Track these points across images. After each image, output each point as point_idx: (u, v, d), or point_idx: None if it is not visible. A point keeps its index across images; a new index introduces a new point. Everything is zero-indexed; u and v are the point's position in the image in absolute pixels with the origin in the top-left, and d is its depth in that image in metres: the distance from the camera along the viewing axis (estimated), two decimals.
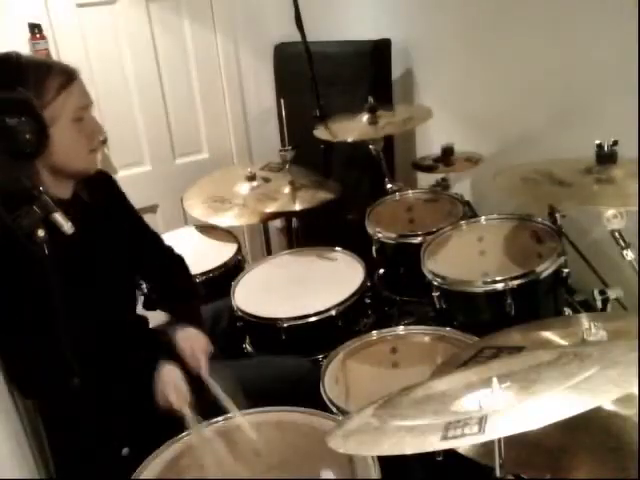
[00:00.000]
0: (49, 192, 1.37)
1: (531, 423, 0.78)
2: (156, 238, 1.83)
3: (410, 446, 0.82)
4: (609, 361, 0.88)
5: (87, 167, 1.51)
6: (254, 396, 1.50)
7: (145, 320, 1.73)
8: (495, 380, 0.89)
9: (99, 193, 1.60)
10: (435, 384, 1.07)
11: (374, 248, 2.17)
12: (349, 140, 2.32)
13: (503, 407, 0.85)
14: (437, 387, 1.05)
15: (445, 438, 0.80)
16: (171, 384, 1.48)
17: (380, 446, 0.87)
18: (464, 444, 1.04)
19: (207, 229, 2.46)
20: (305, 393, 1.53)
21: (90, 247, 1.50)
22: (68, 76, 1.43)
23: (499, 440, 0.90)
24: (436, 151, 2.44)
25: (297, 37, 2.36)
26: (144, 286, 1.83)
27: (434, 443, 0.80)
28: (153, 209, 3.10)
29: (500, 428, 0.80)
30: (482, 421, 0.80)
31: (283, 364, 1.76)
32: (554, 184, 1.62)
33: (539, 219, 1.89)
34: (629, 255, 1.59)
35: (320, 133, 2.38)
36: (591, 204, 1.60)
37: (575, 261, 1.89)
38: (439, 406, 0.94)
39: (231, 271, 2.20)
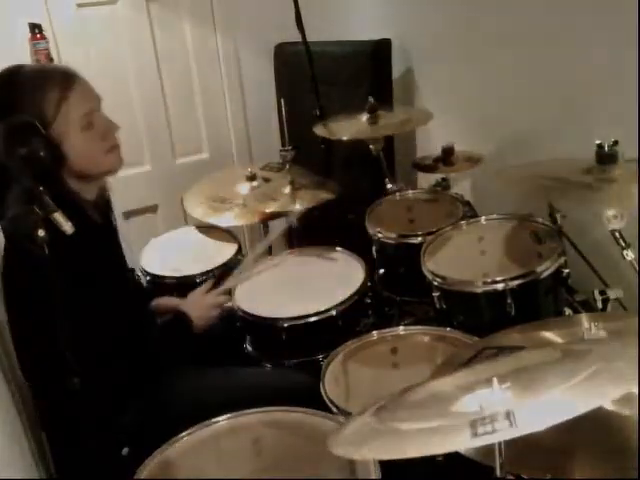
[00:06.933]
0: (78, 195, 1.44)
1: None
2: None
3: (411, 448, 0.82)
4: (609, 361, 0.88)
5: (109, 167, 1.50)
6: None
7: (152, 315, 1.74)
8: (495, 380, 0.89)
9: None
10: (435, 384, 1.07)
11: (374, 248, 2.16)
12: (346, 139, 2.32)
13: (502, 407, 0.85)
14: (437, 387, 1.05)
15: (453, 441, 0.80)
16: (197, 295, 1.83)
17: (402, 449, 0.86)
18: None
19: (207, 229, 2.46)
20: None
21: (110, 242, 1.53)
22: (65, 84, 1.40)
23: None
24: (436, 151, 2.44)
25: (297, 37, 2.35)
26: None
27: (435, 444, 0.80)
28: (153, 209, 3.10)
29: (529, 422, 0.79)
30: (510, 416, 0.79)
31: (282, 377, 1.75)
32: (554, 185, 1.62)
33: (539, 219, 1.89)
34: (629, 255, 1.59)
35: (319, 131, 2.38)
36: (591, 205, 1.60)
37: (575, 261, 1.89)
38: (439, 406, 0.94)
39: (231, 271, 2.20)
